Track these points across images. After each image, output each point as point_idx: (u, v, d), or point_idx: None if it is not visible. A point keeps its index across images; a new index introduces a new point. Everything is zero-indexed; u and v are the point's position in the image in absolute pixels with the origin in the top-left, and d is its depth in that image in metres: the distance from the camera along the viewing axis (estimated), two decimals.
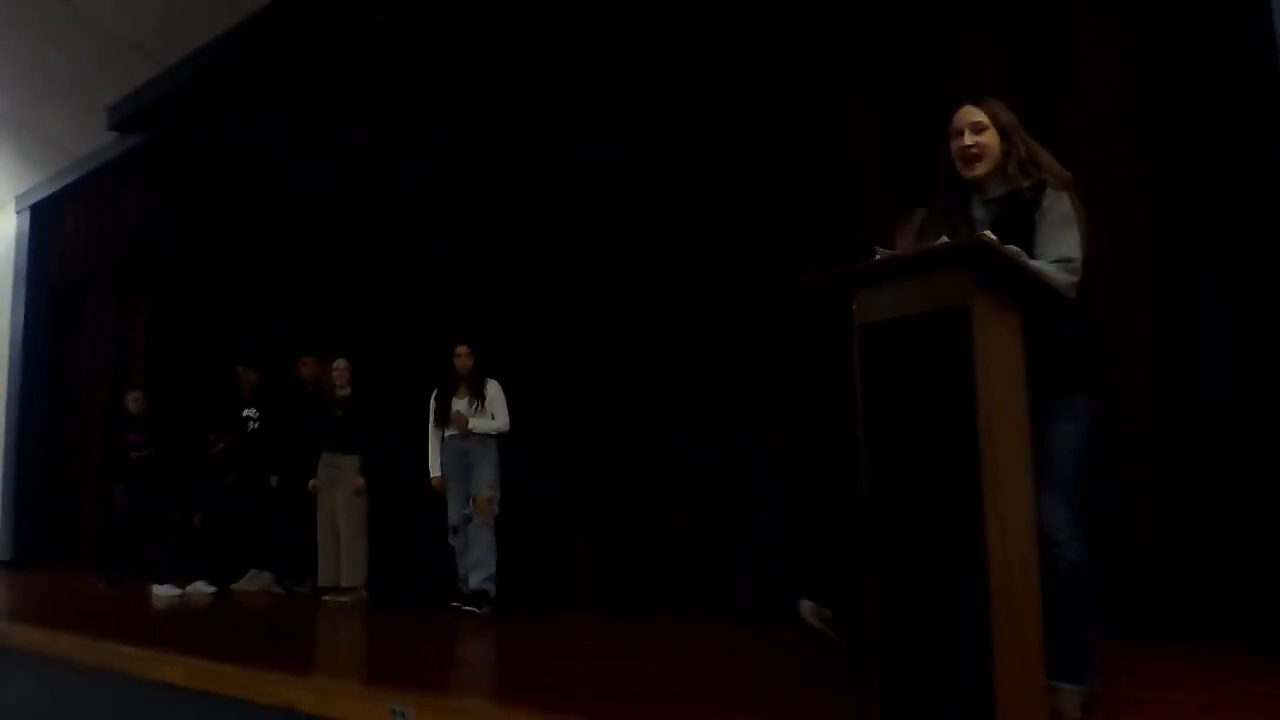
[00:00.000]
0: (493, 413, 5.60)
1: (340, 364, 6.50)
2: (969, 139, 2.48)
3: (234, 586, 6.93)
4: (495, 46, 6.63)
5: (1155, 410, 3.82)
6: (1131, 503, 3.81)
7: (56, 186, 10.95)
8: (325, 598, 6.15)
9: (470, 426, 5.56)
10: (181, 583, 6.83)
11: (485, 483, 5.50)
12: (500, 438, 5.63)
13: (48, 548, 10.79)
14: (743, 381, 5.23)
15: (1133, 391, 3.81)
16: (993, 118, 2.48)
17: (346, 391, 6.45)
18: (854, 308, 2.34)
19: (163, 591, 6.76)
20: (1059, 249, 2.36)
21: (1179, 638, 3.64)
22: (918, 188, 4.21)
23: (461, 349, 5.68)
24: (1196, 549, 3.71)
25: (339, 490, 6.29)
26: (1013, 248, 2.27)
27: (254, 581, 6.95)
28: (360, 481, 6.23)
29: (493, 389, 5.66)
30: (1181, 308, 3.82)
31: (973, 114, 2.49)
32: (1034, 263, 2.32)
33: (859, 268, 2.34)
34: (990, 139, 2.47)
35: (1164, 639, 3.64)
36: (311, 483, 6.39)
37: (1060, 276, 2.34)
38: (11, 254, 11.63)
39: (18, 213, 11.60)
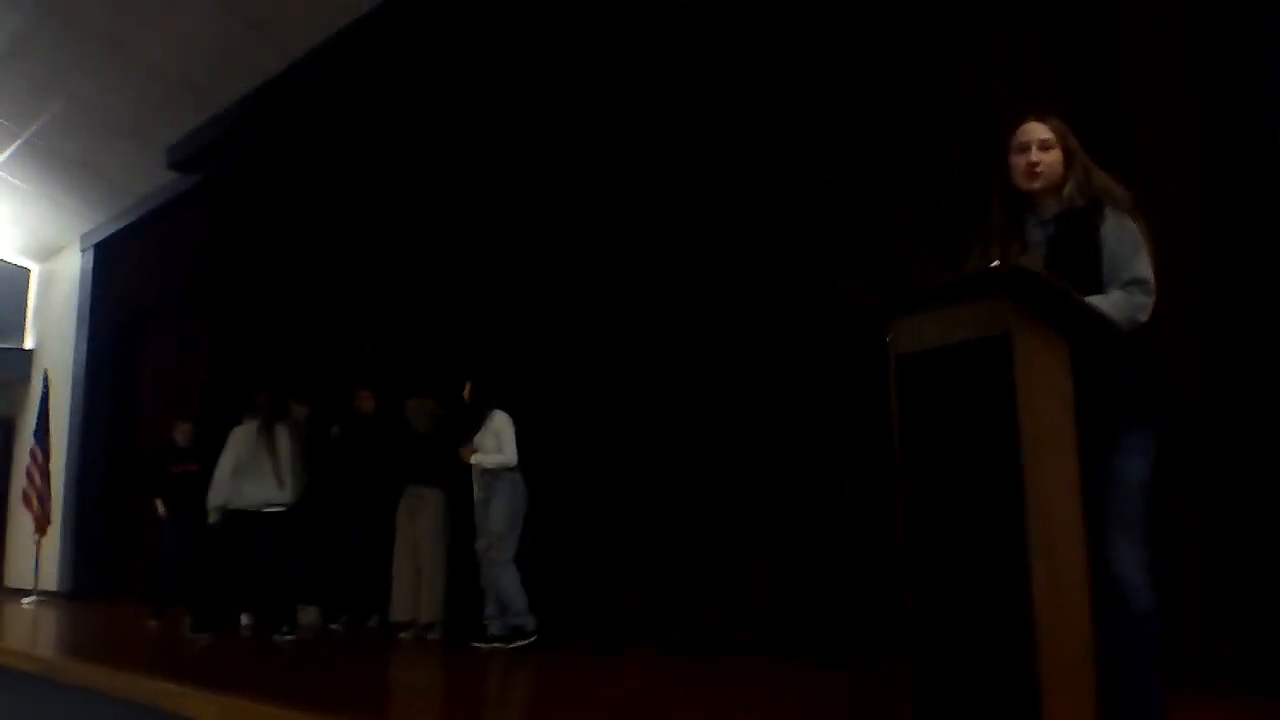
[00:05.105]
0: (499, 446, 5.46)
1: (427, 403, 6.38)
2: (1035, 155, 2.36)
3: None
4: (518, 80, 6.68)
5: (1206, 444, 3.61)
6: (1181, 544, 3.59)
7: (119, 225, 11.29)
8: (402, 635, 6.00)
9: (471, 460, 5.50)
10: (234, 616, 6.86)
11: (492, 520, 5.41)
12: (522, 471, 5.50)
13: (107, 579, 11.01)
14: (746, 402, 5.18)
15: (1182, 424, 3.59)
16: (1058, 135, 2.37)
17: (429, 426, 6.30)
18: (889, 338, 2.23)
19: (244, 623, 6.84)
20: (1132, 270, 2.23)
21: (1232, 686, 3.41)
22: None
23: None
24: (1251, 594, 3.48)
25: (421, 523, 6.10)
26: (1053, 276, 2.13)
27: (302, 615, 6.93)
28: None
29: (498, 421, 5.53)
30: (1233, 334, 3.63)
31: (1039, 130, 2.38)
32: (1097, 297, 2.19)
33: (895, 295, 2.23)
34: (1055, 158, 2.36)
35: (1215, 687, 3.40)
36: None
37: (1134, 300, 2.21)
38: (76, 292, 12.01)
39: (82, 251, 11.99)
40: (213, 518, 6.16)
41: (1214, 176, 3.74)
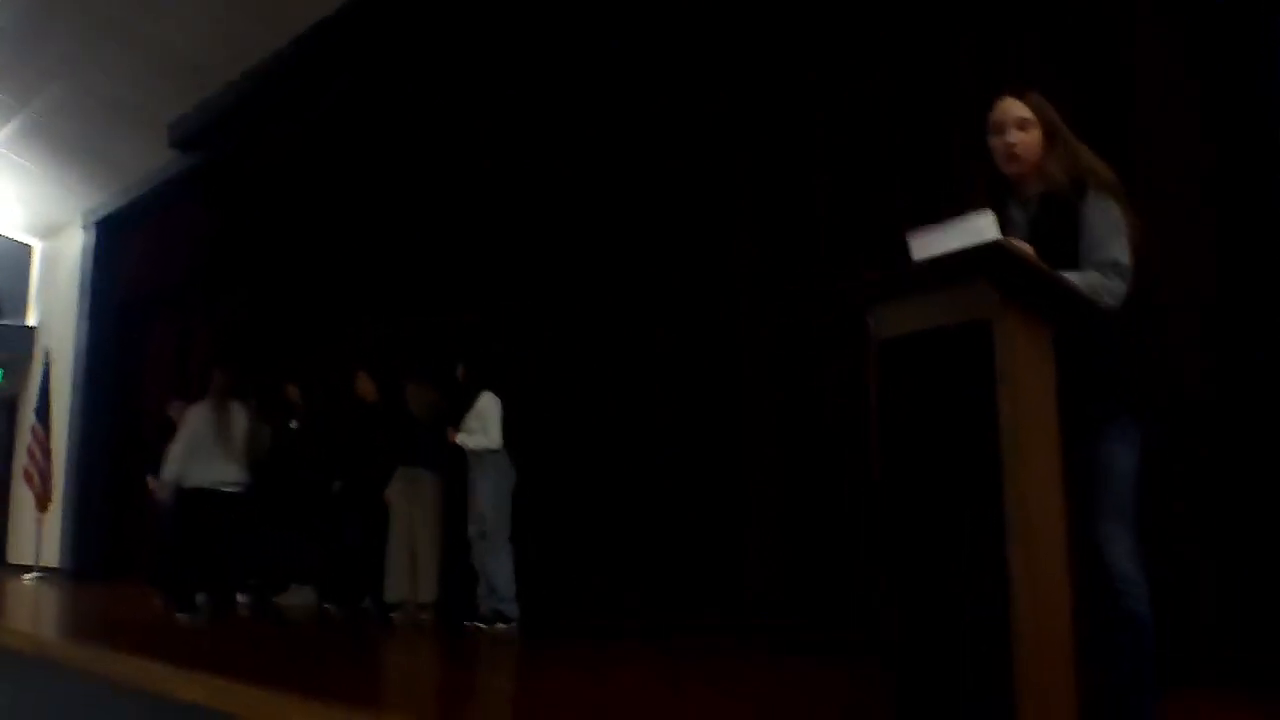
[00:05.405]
0: (483, 427, 5.54)
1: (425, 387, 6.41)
2: (1013, 135, 2.29)
3: (277, 601, 6.92)
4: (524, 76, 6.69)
5: (1206, 444, 3.57)
6: (1182, 544, 3.54)
7: (122, 203, 11.14)
8: (394, 615, 6.05)
9: (457, 441, 5.57)
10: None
11: (479, 501, 5.50)
12: (510, 454, 5.57)
13: (108, 558, 10.98)
14: (746, 402, 5.18)
15: (1184, 423, 3.56)
16: (1037, 112, 2.30)
17: (427, 410, 6.33)
18: (870, 322, 2.22)
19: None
20: (1108, 251, 2.16)
21: (1237, 689, 3.37)
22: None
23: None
24: (1253, 595, 3.44)
25: (417, 506, 6.12)
26: (1027, 247, 2.08)
27: (297, 596, 6.94)
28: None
29: (484, 402, 5.59)
30: (1234, 334, 3.59)
31: (1016, 108, 2.30)
32: (1071, 274, 2.13)
33: (875, 279, 2.23)
34: (1034, 136, 2.29)
35: (1219, 689, 3.36)
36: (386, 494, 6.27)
37: (1108, 283, 2.14)
38: (78, 270, 11.90)
39: (83, 228, 11.85)
40: (163, 493, 6.20)
41: (1215, 176, 3.70)
